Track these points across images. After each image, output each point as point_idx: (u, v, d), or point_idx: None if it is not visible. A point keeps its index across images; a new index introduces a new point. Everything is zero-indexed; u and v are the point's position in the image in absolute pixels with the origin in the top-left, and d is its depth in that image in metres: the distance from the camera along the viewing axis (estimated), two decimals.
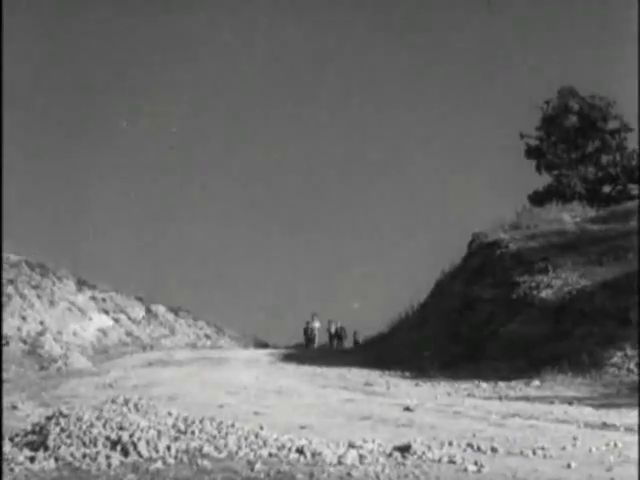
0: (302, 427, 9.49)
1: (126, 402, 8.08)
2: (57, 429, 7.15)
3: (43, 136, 71.34)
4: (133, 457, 6.79)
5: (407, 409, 11.46)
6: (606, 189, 38.40)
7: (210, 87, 78.88)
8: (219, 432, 7.52)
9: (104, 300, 29.95)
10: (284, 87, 79.20)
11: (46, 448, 6.93)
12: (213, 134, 79.01)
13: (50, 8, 71.21)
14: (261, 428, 7.94)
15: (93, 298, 29.46)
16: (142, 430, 7.14)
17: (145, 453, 6.85)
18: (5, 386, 15.26)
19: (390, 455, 7.31)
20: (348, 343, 36.77)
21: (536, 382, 15.33)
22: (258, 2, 75.06)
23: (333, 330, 36.28)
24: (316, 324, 35.31)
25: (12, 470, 6.50)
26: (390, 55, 79.33)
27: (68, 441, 6.98)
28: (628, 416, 10.48)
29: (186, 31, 76.91)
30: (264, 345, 34.47)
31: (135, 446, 6.90)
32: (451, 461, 7.09)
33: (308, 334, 35.07)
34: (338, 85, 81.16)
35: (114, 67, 76.84)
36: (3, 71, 21.73)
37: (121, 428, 7.15)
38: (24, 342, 22.97)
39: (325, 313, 36.53)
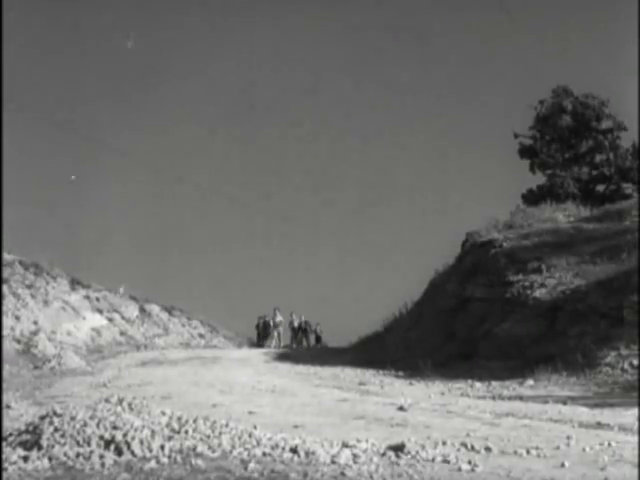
0: (296, 426, 9.49)
1: (120, 401, 8.05)
2: (51, 428, 7.13)
3: (42, 135, 71.30)
4: (127, 456, 6.78)
5: (401, 409, 11.46)
6: (600, 188, 38.51)
7: (208, 84, 78.91)
8: (213, 431, 7.50)
9: (98, 299, 29.92)
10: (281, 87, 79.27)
11: (40, 447, 6.90)
12: (212, 133, 79.03)
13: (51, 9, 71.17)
14: (255, 427, 7.93)
15: (87, 297, 29.43)
16: (136, 429, 7.12)
17: (139, 452, 6.84)
18: None
19: (384, 454, 7.30)
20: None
21: (530, 382, 15.35)
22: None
23: (297, 324, 34.80)
24: (278, 318, 33.73)
25: (5, 470, 6.49)
26: (387, 54, 79.45)
27: (62, 440, 6.96)
28: (622, 415, 10.50)
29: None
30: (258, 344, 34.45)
31: (129, 445, 6.88)
32: (445, 460, 7.09)
33: (268, 329, 33.44)
34: (335, 81, 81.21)
35: (121, 64, 76.87)
36: (3, 71, 21.68)
37: (115, 427, 7.13)
38: (18, 341, 22.92)
39: (318, 312, 36.20)
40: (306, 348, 33.31)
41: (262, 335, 33.89)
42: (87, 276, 31.06)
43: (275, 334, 33.61)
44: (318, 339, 35.49)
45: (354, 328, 31.84)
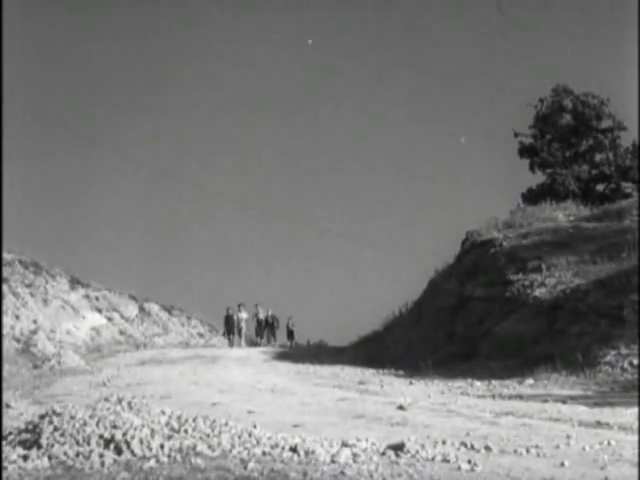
0: (295, 426, 9.48)
1: (119, 400, 8.04)
2: (50, 427, 7.12)
3: (41, 135, 71.31)
4: (126, 455, 6.77)
5: (401, 408, 11.44)
6: (600, 187, 38.52)
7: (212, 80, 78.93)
8: (212, 430, 7.49)
9: (97, 298, 29.95)
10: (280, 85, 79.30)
11: (39, 446, 6.90)
12: (210, 133, 79.02)
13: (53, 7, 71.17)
14: (254, 427, 7.92)
15: (86, 296, 29.46)
16: (135, 428, 7.11)
17: (138, 451, 6.83)
18: None
19: (384, 454, 7.29)
20: (281, 334, 34.37)
21: (530, 381, 15.34)
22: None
23: (262, 317, 33.36)
24: (243, 315, 32.26)
25: (5, 468, 6.48)
26: (388, 53, 79.42)
27: (61, 439, 6.95)
28: (622, 415, 10.48)
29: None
30: (257, 344, 34.41)
31: (128, 444, 6.87)
32: (445, 460, 7.08)
33: (231, 324, 31.93)
34: (333, 78, 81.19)
35: (120, 65, 76.90)
36: (3, 71, 21.65)
37: (114, 426, 7.12)
38: (17, 340, 22.94)
39: (318, 311, 36.04)
40: (271, 344, 32.66)
41: (227, 329, 32.52)
42: (86, 275, 31.13)
43: (236, 331, 32.32)
44: (291, 334, 34.23)
45: (354, 327, 31.81)
